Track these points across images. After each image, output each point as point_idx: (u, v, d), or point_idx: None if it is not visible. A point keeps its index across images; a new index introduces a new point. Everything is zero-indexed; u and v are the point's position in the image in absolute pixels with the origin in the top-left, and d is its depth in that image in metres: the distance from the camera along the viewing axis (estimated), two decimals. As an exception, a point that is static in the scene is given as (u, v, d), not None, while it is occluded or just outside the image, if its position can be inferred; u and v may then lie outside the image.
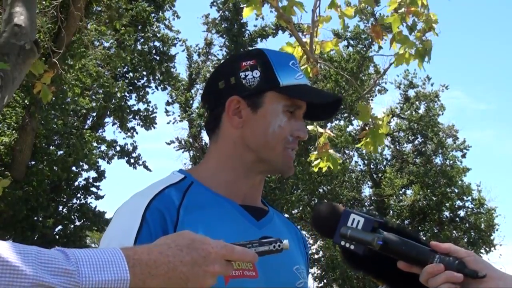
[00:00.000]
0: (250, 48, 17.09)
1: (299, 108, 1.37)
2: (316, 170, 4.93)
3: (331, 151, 4.86)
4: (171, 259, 0.94)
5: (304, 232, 17.74)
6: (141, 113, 17.37)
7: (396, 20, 4.42)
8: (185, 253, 0.95)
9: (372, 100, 21.58)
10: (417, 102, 22.78)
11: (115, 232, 1.24)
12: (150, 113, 17.39)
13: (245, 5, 4.17)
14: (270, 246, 1.06)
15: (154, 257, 0.93)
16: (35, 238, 13.48)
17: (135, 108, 17.46)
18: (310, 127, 4.89)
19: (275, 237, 1.08)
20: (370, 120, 4.68)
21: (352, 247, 1.18)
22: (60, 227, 15.09)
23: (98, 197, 15.81)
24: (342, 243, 1.19)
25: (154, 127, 17.42)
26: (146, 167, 17.03)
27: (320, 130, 4.93)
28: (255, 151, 1.35)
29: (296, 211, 20.39)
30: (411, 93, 23.10)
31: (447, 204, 22.08)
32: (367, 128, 4.94)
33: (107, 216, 15.39)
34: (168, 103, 20.12)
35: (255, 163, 1.36)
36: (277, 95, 1.34)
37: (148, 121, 17.32)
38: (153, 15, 16.54)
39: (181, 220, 1.23)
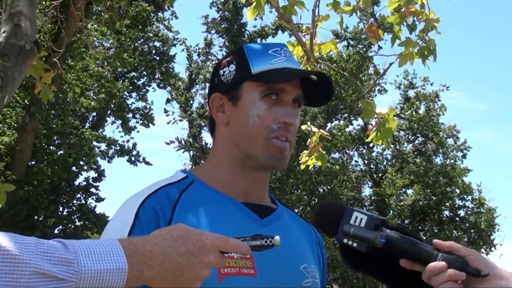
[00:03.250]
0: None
1: (282, 92, 1.31)
2: (303, 167, 4.86)
3: (320, 149, 4.76)
4: (166, 249, 0.95)
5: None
6: (140, 112, 17.42)
7: (396, 19, 4.40)
8: (180, 244, 0.97)
9: (372, 100, 21.56)
10: (417, 102, 22.79)
11: (111, 229, 1.26)
12: (147, 110, 17.45)
13: (248, 8, 4.15)
14: (262, 241, 1.07)
15: (150, 247, 0.94)
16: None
17: (134, 107, 17.54)
18: (303, 127, 4.80)
19: (266, 234, 1.09)
20: (376, 116, 4.56)
21: (354, 245, 1.17)
22: (60, 227, 15.10)
23: (99, 199, 15.83)
24: (345, 241, 1.18)
25: (153, 124, 17.52)
26: (147, 163, 17.08)
27: (314, 129, 4.83)
28: (241, 147, 1.33)
29: (296, 211, 20.34)
30: (411, 93, 23.14)
31: (447, 204, 22.09)
32: (370, 126, 4.86)
33: (108, 216, 15.39)
34: (168, 101, 20.21)
35: (244, 159, 1.33)
36: (252, 84, 1.32)
37: (147, 119, 17.37)
38: (153, 15, 16.55)
39: (176, 218, 1.23)
